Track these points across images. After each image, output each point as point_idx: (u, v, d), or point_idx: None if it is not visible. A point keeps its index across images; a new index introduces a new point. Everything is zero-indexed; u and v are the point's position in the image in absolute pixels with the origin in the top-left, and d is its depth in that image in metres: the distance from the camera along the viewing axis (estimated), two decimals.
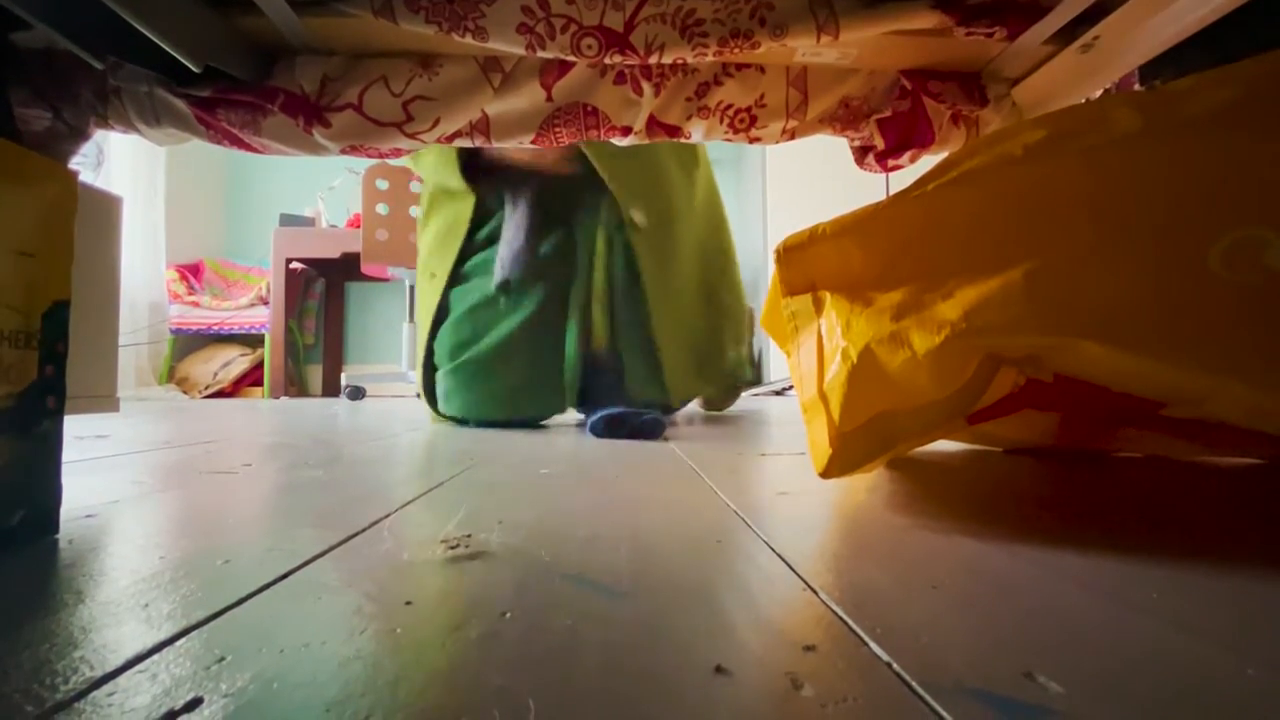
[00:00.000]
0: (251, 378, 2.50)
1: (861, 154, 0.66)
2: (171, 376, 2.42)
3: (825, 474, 0.35)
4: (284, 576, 0.24)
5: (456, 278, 0.99)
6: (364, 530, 0.31)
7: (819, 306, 0.37)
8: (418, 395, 2.10)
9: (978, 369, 0.30)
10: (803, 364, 0.38)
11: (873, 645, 0.18)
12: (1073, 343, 0.27)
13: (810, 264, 0.36)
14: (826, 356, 0.35)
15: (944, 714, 0.14)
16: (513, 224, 0.97)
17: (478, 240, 1.01)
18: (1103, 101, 0.33)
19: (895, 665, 0.17)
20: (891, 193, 0.35)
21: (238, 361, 2.46)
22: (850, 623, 0.20)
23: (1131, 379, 0.30)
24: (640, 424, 0.76)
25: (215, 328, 2.41)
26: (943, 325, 0.29)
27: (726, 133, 0.61)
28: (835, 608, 0.21)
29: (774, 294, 0.41)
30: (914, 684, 0.16)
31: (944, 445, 0.66)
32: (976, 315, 0.29)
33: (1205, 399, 0.31)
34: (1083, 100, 0.61)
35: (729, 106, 0.59)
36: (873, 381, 0.31)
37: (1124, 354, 0.27)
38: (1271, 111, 0.28)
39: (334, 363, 2.79)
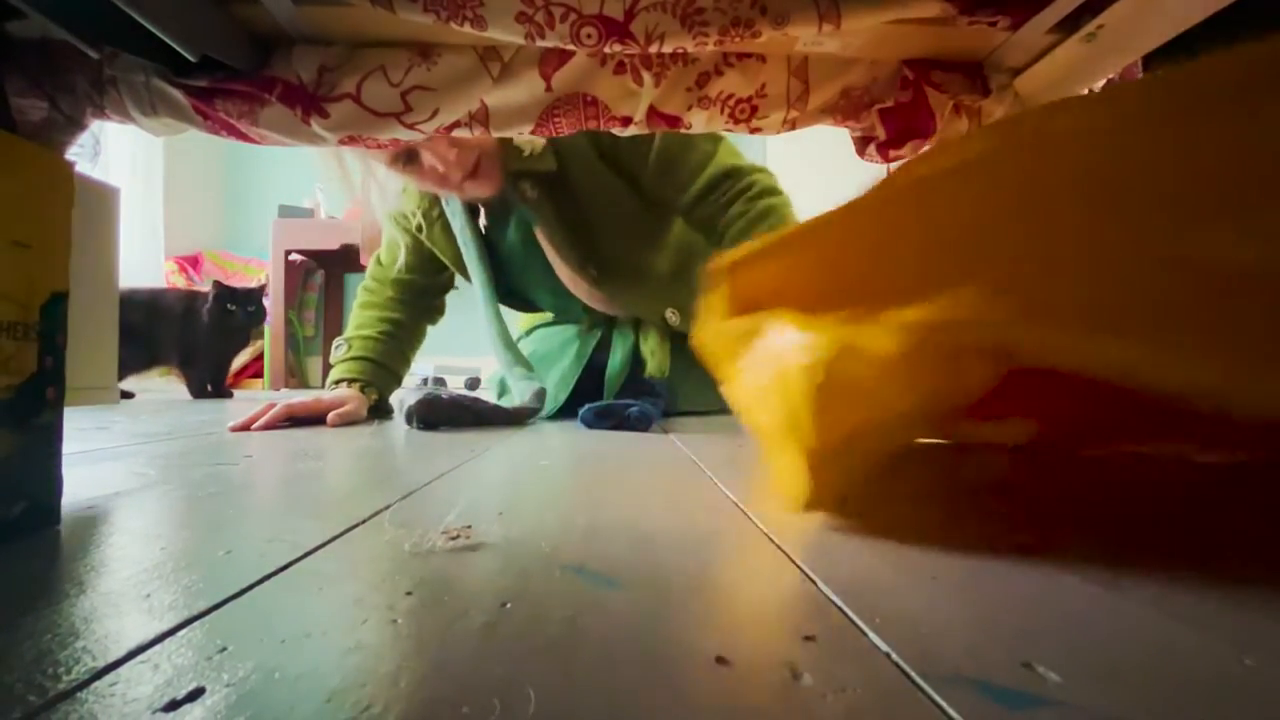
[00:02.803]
0: (252, 370, 2.50)
1: (863, 144, 0.66)
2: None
3: (808, 506, 0.31)
4: (285, 567, 0.24)
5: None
6: (364, 521, 0.31)
7: (765, 325, 0.33)
8: (424, 381, 2.08)
9: (947, 371, 0.28)
10: (750, 386, 0.34)
11: (872, 635, 0.18)
12: (1041, 334, 0.26)
13: (756, 281, 0.33)
14: (779, 376, 0.31)
15: (942, 704, 0.15)
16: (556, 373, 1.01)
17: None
18: (1067, 100, 0.31)
19: (894, 655, 0.17)
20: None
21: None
22: (849, 613, 0.20)
23: (1105, 368, 0.29)
24: (627, 415, 0.77)
25: None
26: (904, 328, 0.28)
27: (727, 123, 0.60)
28: (834, 598, 0.21)
29: (712, 312, 0.37)
30: (913, 674, 0.16)
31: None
32: (941, 314, 0.27)
33: (1180, 387, 0.30)
34: (1086, 91, 0.60)
35: (730, 96, 0.59)
36: (838, 397, 0.29)
37: (1095, 342, 0.26)
38: (1252, 102, 0.27)
39: None
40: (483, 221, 0.98)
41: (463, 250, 0.98)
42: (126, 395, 1.56)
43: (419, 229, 1.00)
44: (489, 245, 1.00)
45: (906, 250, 0.30)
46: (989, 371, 0.29)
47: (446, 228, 0.99)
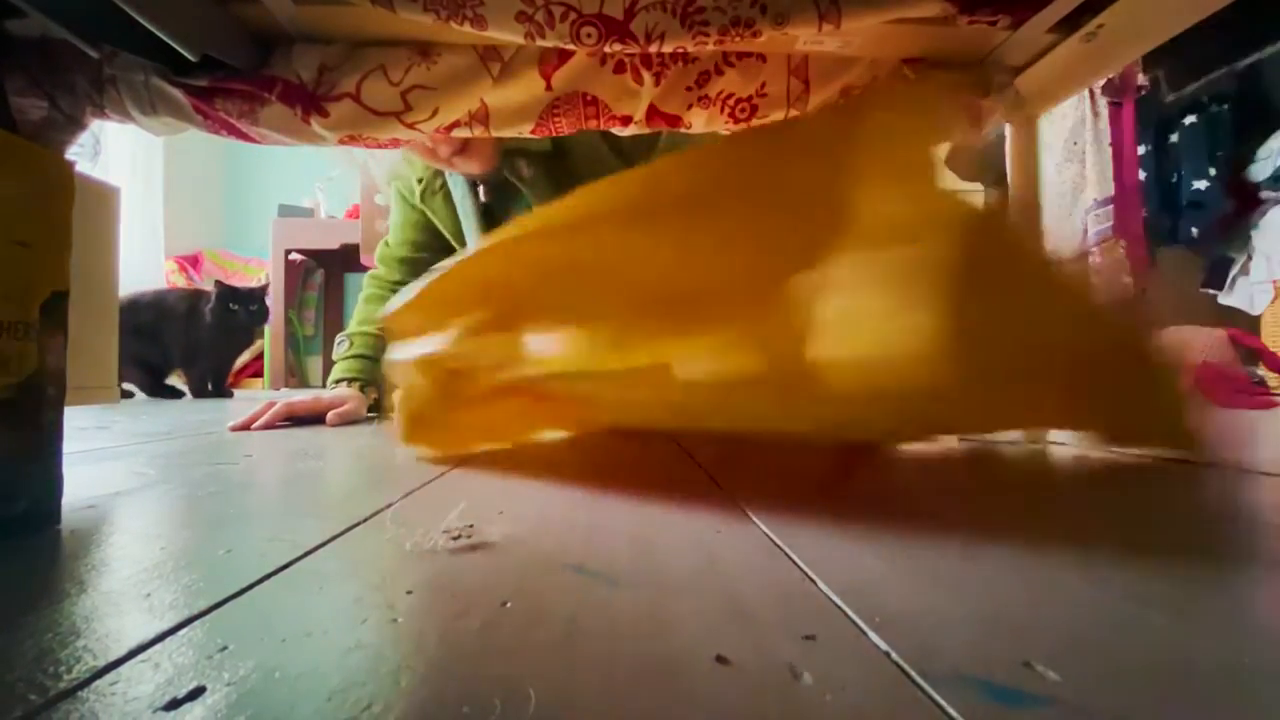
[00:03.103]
0: (252, 369, 2.50)
1: None
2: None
3: (407, 446, 0.54)
4: (285, 566, 0.24)
5: None
6: (365, 520, 0.31)
7: (410, 343, 0.55)
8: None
9: (441, 380, 0.49)
10: (399, 380, 0.57)
11: (872, 634, 0.18)
12: (487, 368, 0.46)
13: (398, 325, 0.55)
14: (405, 374, 0.53)
15: (942, 703, 0.15)
16: None
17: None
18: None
19: (894, 654, 0.17)
20: None
21: None
22: (849, 612, 0.20)
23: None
24: None
25: None
26: (427, 356, 0.49)
27: (727, 122, 0.60)
28: (835, 597, 0.21)
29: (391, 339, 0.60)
30: (912, 673, 0.16)
31: (942, 438, 0.66)
32: (434, 345, 0.48)
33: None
34: (1086, 89, 0.61)
35: (730, 96, 0.59)
36: (415, 389, 0.52)
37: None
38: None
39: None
40: (482, 195, 0.97)
41: (463, 222, 0.97)
42: (177, 394, 1.61)
43: (419, 197, 1.00)
44: (493, 222, 1.00)
45: (451, 298, 0.50)
46: (476, 384, 0.48)
47: (448, 198, 0.98)
